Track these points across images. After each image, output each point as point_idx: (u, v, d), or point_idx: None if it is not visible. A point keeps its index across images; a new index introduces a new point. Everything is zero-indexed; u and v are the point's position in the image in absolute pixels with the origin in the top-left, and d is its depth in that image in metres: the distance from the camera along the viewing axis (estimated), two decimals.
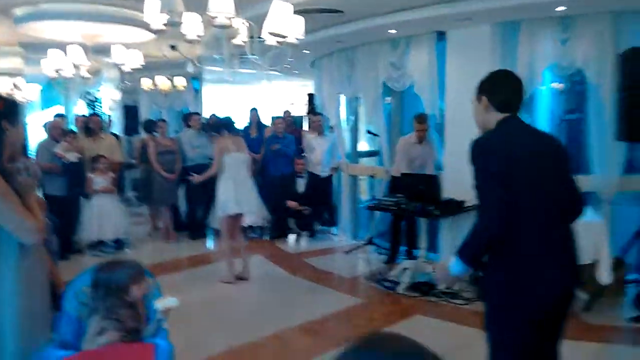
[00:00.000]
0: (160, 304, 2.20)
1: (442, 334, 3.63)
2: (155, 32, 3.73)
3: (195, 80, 9.81)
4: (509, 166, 1.87)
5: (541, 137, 2.09)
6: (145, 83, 8.82)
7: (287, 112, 7.49)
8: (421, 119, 5.10)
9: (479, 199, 1.93)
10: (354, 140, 6.82)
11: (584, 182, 4.73)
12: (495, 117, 2.04)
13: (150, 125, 6.73)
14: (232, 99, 10.99)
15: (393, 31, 5.22)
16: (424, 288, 4.46)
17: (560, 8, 4.19)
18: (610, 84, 4.26)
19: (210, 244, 6.51)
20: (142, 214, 7.40)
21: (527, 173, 1.90)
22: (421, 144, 5.17)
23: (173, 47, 6.70)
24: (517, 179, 1.87)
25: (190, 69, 3.87)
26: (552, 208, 1.93)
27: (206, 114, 8.35)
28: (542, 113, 5.77)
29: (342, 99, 6.76)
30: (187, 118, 6.98)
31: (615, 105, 4.15)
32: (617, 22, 4.25)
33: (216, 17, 3.20)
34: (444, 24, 4.93)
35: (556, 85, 5.81)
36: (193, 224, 6.68)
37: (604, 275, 3.78)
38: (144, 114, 9.63)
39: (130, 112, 9.59)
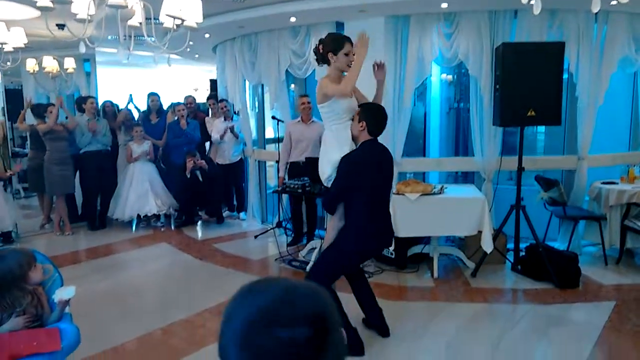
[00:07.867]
0: (57, 294, 2.19)
1: (348, 303, 3.88)
2: (41, 9, 3.46)
3: (87, 62, 9.16)
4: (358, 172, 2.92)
5: (383, 151, 3.06)
6: (30, 64, 8.05)
7: (189, 98, 7.32)
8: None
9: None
10: (262, 127, 6.83)
11: (469, 163, 5.31)
12: (364, 137, 2.95)
13: (39, 110, 6.24)
14: (128, 82, 10.41)
15: (293, 19, 5.33)
16: None
17: (444, 5, 4.59)
18: (487, 76, 4.78)
19: (111, 234, 6.25)
20: (30, 206, 6.85)
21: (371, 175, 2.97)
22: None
23: (61, 27, 6.22)
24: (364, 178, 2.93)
25: (82, 49, 3.57)
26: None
27: (101, 98, 7.88)
28: (435, 102, 6.28)
29: (247, 84, 6.76)
30: (81, 101, 6.56)
31: (491, 94, 4.67)
32: (493, 19, 4.77)
33: None
34: (342, 15, 5.14)
35: (445, 76, 6.35)
36: (91, 214, 6.35)
37: (487, 245, 4.26)
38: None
39: (14, 96, 8.71)
